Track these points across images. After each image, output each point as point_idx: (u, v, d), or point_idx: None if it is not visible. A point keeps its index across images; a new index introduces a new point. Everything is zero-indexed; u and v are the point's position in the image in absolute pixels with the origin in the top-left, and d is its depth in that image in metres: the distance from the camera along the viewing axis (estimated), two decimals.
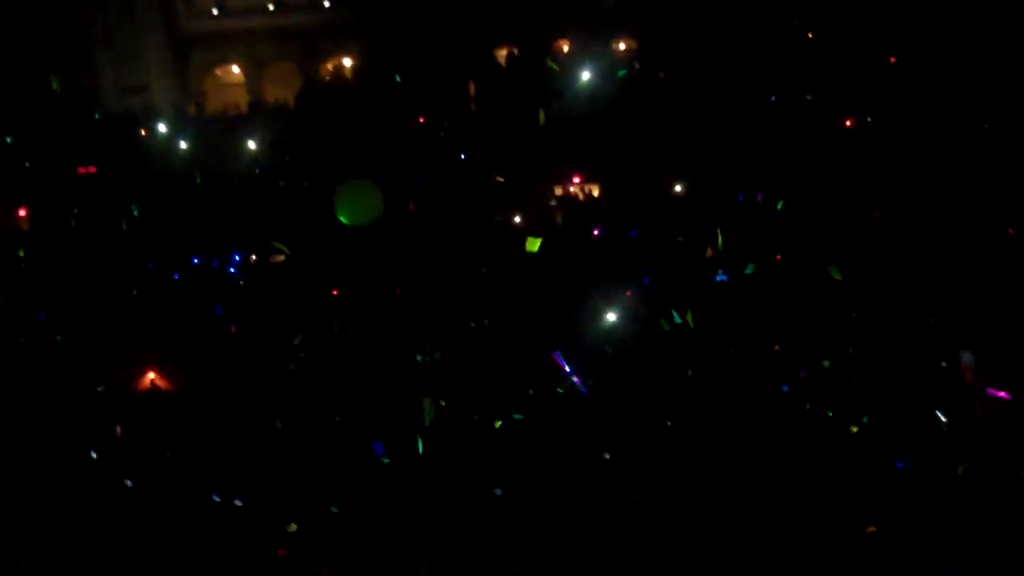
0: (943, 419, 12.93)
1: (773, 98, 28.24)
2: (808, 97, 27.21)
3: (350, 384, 15.23)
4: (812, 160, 23.13)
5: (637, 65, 33.47)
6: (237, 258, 21.29)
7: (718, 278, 18.33)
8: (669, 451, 13.04)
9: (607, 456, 13.07)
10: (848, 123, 25.13)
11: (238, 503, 12.60)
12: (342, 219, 14.90)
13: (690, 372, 15.12)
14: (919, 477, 11.87)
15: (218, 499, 12.69)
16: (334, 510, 12.36)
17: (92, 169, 26.46)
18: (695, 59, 31.45)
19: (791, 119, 26.06)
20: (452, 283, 18.36)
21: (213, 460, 13.58)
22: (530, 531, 11.61)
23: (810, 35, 30.75)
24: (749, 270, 17.69)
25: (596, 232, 20.94)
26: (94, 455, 13.60)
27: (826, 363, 14.76)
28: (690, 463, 12.62)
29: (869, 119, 25.78)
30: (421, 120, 27.32)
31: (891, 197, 20.92)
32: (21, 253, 21.72)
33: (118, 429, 14.65)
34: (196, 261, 20.94)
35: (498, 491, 12.38)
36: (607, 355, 15.73)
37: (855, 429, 12.95)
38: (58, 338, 17.59)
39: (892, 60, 29.04)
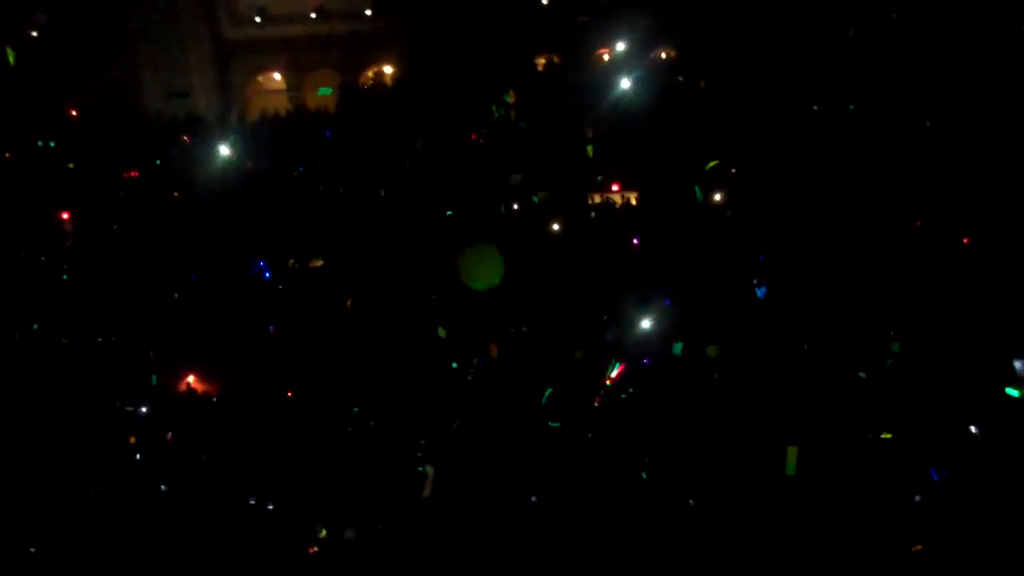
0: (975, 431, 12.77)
1: (815, 107, 28.12)
2: (851, 107, 27.04)
3: (386, 388, 15.25)
4: (856, 169, 22.97)
5: (681, 78, 33.39)
6: (275, 263, 21.36)
7: (758, 292, 18.20)
8: (703, 461, 12.96)
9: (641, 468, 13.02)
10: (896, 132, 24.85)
11: (270, 506, 12.67)
12: (468, 283, 15.14)
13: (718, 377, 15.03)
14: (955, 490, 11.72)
15: (253, 502, 12.77)
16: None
17: (135, 173, 26.69)
18: (737, 68, 31.34)
19: (837, 128, 25.91)
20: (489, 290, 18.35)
21: (248, 463, 13.63)
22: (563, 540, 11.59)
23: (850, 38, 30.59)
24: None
25: (635, 241, 20.84)
26: (138, 456, 13.70)
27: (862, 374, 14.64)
28: (723, 474, 12.55)
29: (923, 125, 25.55)
30: (473, 137, 27.40)
31: (936, 202, 20.74)
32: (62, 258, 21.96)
33: (169, 435, 14.74)
34: (235, 266, 21.02)
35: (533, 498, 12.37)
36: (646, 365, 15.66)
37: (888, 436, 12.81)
38: (99, 340, 17.75)
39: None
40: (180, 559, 11.97)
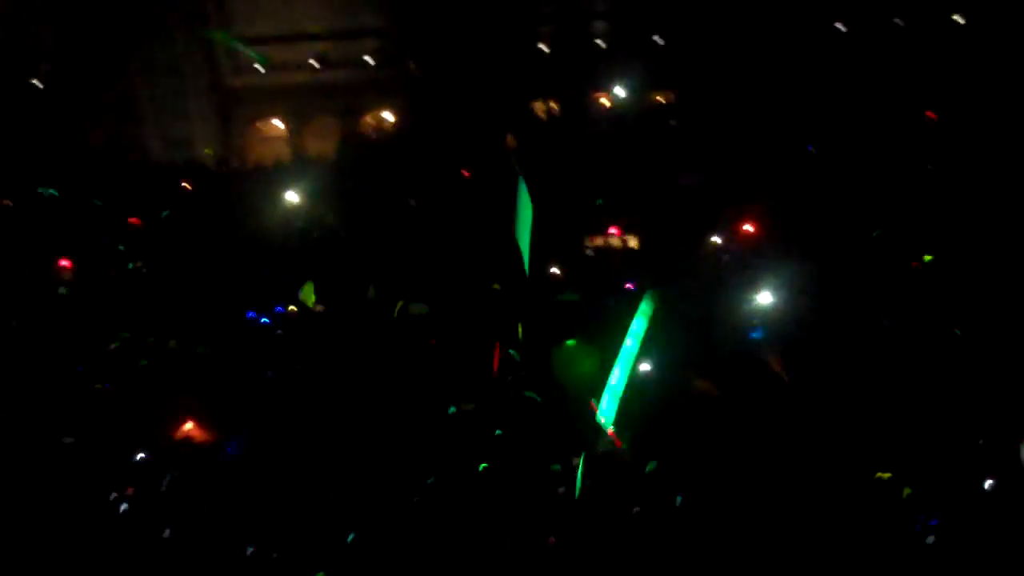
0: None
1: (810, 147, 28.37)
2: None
3: (385, 436, 15.25)
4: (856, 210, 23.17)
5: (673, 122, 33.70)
6: (278, 309, 21.37)
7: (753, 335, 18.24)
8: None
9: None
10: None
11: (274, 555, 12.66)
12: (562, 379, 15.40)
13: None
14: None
15: (251, 550, 12.74)
16: None
17: (136, 221, 26.80)
18: (733, 111, 31.60)
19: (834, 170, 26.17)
20: (486, 333, 18.38)
21: (246, 511, 13.59)
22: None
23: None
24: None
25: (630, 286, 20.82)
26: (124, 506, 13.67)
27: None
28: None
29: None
30: (465, 174, 27.53)
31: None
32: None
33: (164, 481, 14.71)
34: (236, 312, 21.05)
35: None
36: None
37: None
38: (98, 387, 17.74)
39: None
40: None
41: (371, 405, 16.39)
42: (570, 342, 16.21)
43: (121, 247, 24.91)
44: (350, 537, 12.71)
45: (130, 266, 23.94)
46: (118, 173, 32.14)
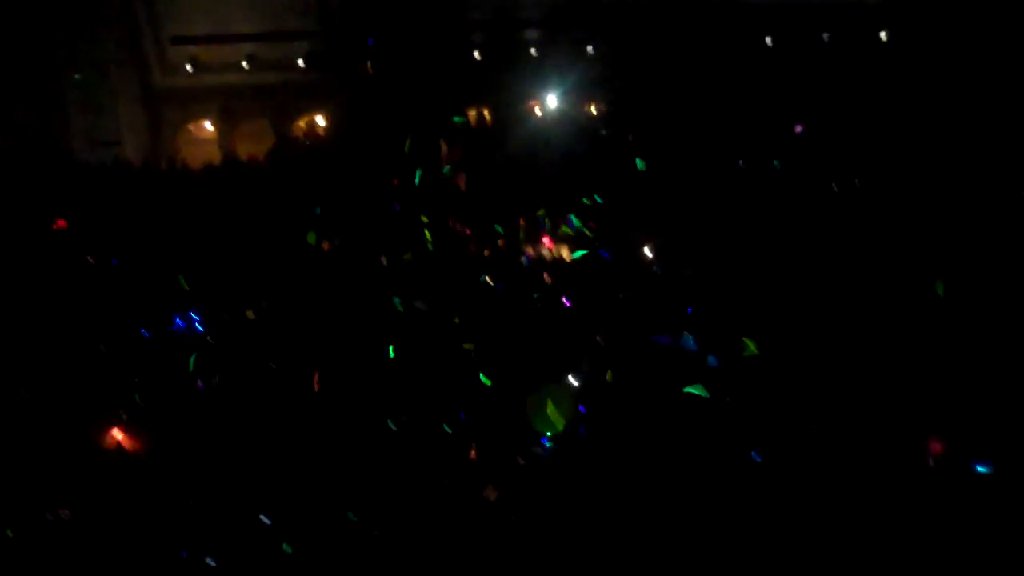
0: None
1: (741, 162, 28.78)
2: (776, 163, 27.77)
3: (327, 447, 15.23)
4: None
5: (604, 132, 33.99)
6: (205, 315, 21.17)
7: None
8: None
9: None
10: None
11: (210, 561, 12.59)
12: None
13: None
14: None
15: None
16: None
17: (62, 223, 26.40)
18: (666, 122, 31.96)
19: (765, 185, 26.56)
20: (420, 343, 18.42)
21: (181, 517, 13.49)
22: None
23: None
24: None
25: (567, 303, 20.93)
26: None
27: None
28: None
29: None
30: (395, 182, 27.45)
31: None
32: None
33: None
34: (165, 318, 20.82)
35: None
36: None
37: None
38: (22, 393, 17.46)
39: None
40: None
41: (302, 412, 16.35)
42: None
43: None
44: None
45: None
46: (43, 173, 31.63)
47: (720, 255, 22.16)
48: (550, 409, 15.17)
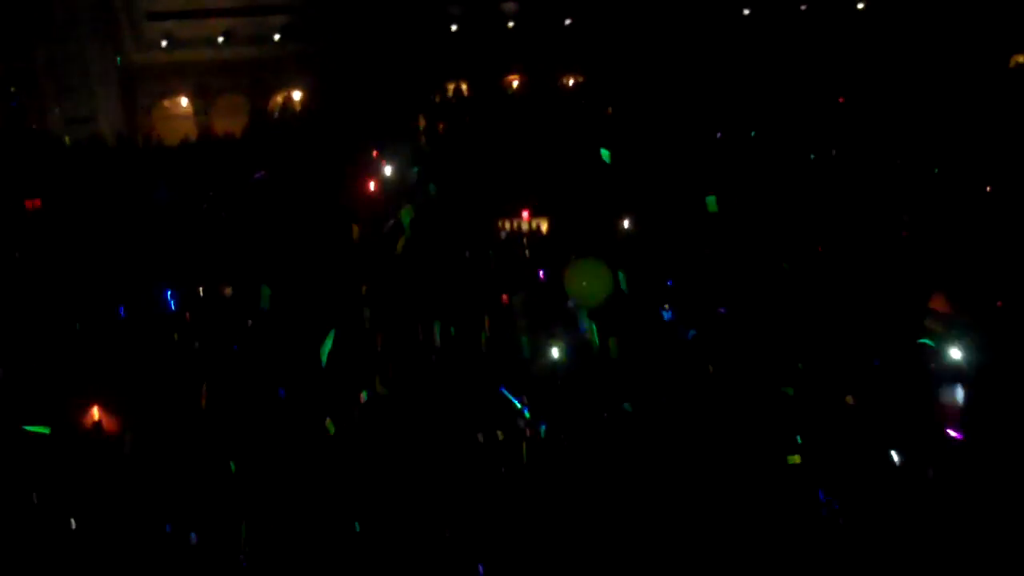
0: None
1: (719, 134, 28.80)
2: (752, 133, 27.78)
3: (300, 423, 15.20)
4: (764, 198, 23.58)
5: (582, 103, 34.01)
6: (179, 292, 21.06)
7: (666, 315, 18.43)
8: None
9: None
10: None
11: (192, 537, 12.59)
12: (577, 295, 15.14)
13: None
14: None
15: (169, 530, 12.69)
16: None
17: (37, 202, 26.22)
18: (643, 94, 31.96)
19: (743, 156, 26.56)
20: (397, 320, 18.38)
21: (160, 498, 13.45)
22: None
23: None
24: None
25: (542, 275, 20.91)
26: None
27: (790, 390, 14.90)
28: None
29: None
30: (375, 153, 27.38)
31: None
32: None
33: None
34: (142, 295, 20.72)
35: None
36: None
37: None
38: None
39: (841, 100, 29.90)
40: None
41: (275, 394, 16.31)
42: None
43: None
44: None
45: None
46: (17, 150, 31.40)
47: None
48: (587, 281, 15.03)
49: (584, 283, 15.59)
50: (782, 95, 30.13)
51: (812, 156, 26.33)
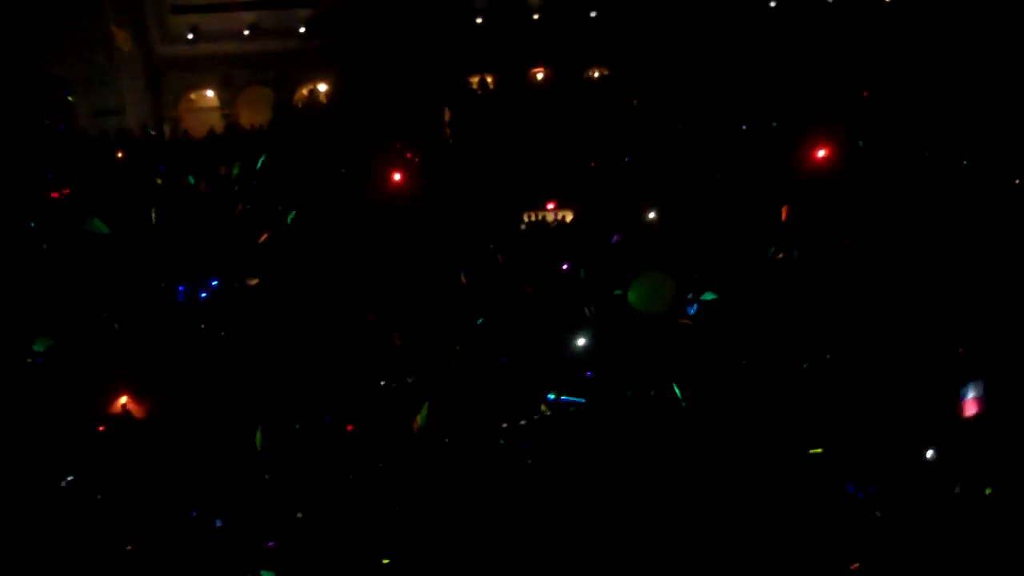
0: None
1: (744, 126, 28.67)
2: (773, 124, 27.66)
3: (326, 408, 15.24)
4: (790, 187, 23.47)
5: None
6: (212, 283, 21.18)
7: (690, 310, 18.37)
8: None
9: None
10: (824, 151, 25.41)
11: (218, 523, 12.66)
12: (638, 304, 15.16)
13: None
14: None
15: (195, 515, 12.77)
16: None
17: (65, 192, 26.40)
18: (668, 86, 31.86)
19: (765, 146, 26.42)
20: (424, 308, 18.41)
21: (187, 482, 13.54)
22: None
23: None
24: (709, 296, 17.84)
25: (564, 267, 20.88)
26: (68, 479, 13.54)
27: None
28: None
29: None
30: (397, 145, 27.43)
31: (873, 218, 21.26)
32: None
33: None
34: (168, 286, 20.84)
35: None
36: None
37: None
38: (29, 361, 17.47)
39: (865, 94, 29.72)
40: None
41: (309, 379, 16.35)
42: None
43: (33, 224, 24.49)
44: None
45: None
46: (46, 142, 31.61)
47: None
48: (654, 290, 15.02)
49: (649, 296, 15.61)
50: (809, 87, 29.92)
51: (844, 148, 26.16)
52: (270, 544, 12.30)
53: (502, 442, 14.08)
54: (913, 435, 13.15)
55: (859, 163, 25.01)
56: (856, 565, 11.18)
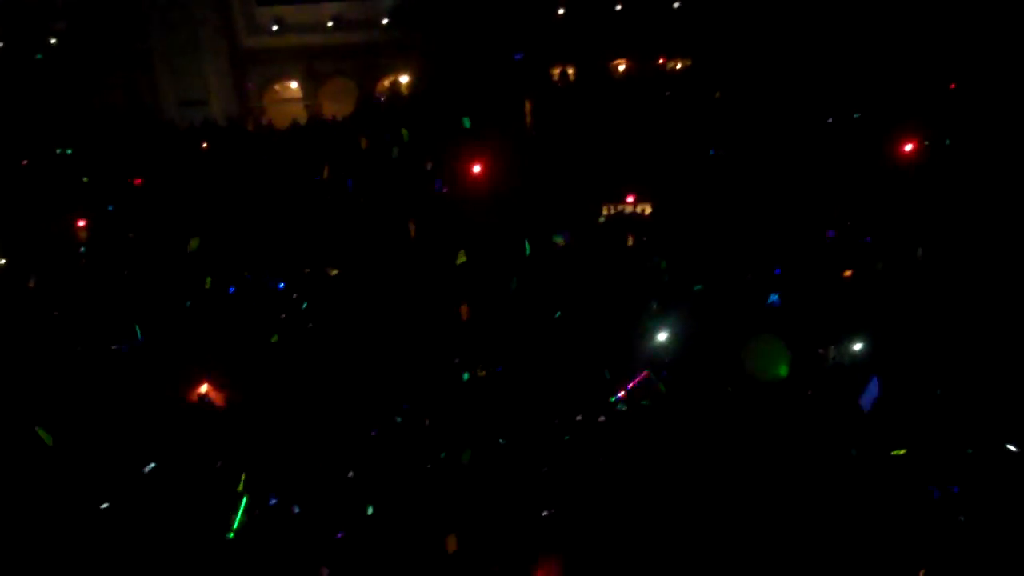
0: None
1: (830, 119, 28.16)
2: (856, 115, 27.16)
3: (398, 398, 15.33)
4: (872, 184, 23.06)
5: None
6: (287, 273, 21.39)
7: (770, 300, 18.13)
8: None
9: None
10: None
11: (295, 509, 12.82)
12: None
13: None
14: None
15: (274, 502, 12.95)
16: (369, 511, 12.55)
17: (141, 180, 26.89)
18: (751, 78, 31.39)
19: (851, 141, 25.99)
20: (495, 301, 18.41)
21: (262, 468, 13.70)
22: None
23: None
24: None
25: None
26: (151, 466, 13.77)
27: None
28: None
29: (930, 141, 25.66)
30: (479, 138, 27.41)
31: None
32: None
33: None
34: (251, 275, 21.09)
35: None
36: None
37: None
38: (113, 348, 17.80)
39: (952, 86, 29.03)
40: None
41: (382, 374, 16.44)
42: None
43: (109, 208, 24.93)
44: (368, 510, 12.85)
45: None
46: (133, 133, 32.19)
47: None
48: (771, 357, 14.89)
49: (763, 363, 15.39)
50: (894, 80, 29.27)
51: (928, 144, 25.59)
52: (339, 535, 12.42)
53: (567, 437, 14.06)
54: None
55: (946, 159, 24.47)
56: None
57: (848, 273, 19.28)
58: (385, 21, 39.41)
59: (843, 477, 12.36)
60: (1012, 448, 12.60)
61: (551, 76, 37.71)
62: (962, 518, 11.65)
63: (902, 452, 12.60)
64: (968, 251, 19.34)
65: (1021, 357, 14.82)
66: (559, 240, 20.49)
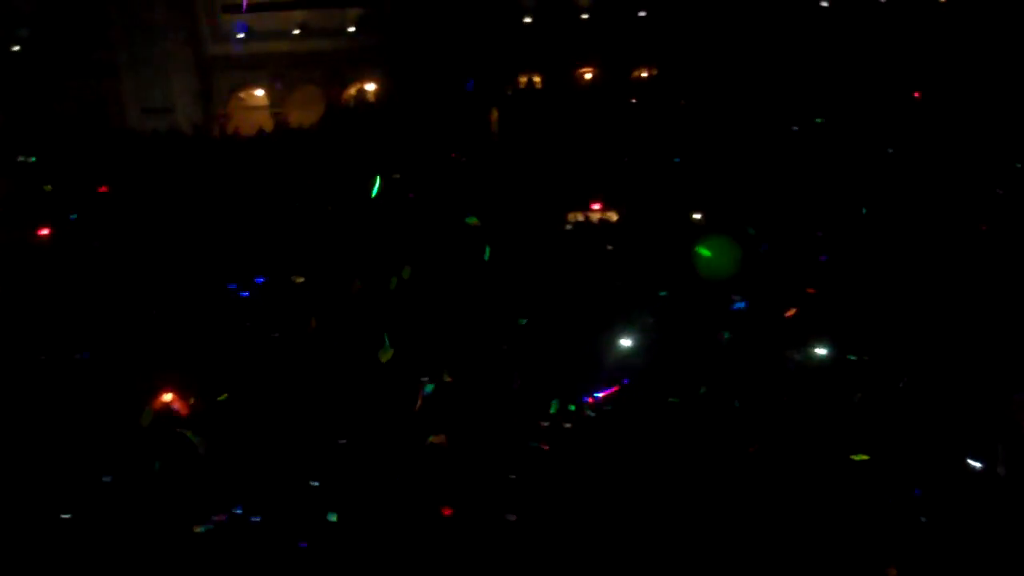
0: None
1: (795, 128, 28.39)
2: (818, 120, 27.41)
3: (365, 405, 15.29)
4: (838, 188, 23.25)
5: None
6: (258, 280, 21.28)
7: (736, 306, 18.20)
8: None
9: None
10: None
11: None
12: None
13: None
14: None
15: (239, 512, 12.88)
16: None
17: (104, 189, 26.68)
18: (716, 86, 31.61)
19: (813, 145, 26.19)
20: (461, 306, 18.41)
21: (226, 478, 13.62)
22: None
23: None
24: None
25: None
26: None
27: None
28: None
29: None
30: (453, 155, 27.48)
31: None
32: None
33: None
34: (214, 282, 20.97)
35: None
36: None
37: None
38: (77, 357, 17.66)
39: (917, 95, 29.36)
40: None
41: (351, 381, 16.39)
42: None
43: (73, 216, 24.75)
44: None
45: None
46: (96, 141, 31.97)
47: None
48: (715, 256, 14.92)
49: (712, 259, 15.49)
50: (857, 87, 29.56)
51: (889, 151, 25.85)
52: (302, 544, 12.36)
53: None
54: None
55: (905, 164, 24.73)
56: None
57: (812, 291, 19.38)
58: (351, 29, 39.34)
59: (815, 479, 12.46)
60: (974, 464, 12.73)
61: (518, 84, 37.82)
62: (923, 519, 11.75)
63: (865, 457, 12.70)
64: (933, 259, 19.56)
65: (984, 363, 15.00)
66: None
